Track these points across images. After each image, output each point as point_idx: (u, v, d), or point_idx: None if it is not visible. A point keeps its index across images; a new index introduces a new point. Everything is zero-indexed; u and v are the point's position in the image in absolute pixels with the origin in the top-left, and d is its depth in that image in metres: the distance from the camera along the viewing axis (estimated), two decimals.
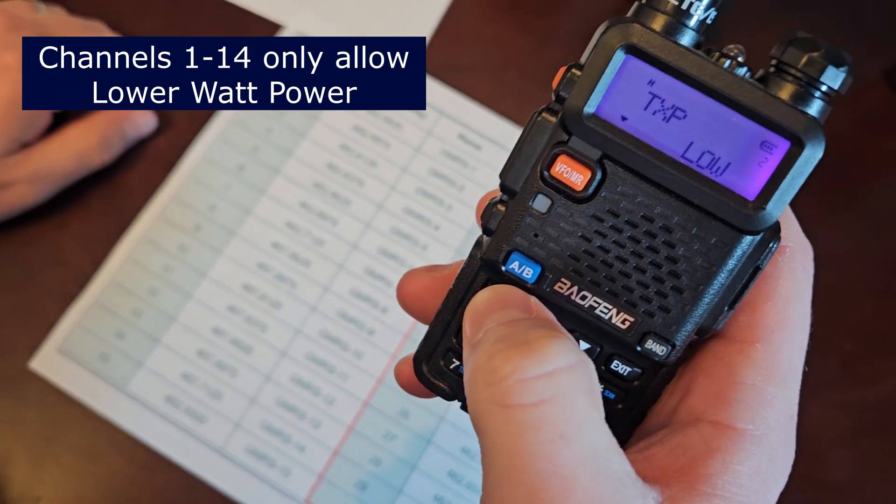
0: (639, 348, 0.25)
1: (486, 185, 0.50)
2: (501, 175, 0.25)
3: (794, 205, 0.54)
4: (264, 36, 0.52)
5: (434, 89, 0.52)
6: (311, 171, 0.49)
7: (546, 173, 0.24)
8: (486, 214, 0.25)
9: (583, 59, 0.24)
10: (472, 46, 0.53)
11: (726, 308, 0.24)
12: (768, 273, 0.25)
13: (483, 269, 0.26)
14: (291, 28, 0.52)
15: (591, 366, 0.22)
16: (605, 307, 0.25)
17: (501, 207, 0.25)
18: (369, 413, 0.45)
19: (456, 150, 0.50)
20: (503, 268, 0.25)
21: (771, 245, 0.24)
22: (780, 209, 0.23)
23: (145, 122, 0.49)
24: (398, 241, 0.48)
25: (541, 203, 0.24)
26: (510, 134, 0.51)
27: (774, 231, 0.24)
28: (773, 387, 0.24)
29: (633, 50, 0.23)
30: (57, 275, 0.47)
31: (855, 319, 0.49)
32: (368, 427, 0.45)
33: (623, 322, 0.25)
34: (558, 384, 0.21)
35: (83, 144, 0.46)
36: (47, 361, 0.45)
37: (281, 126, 0.50)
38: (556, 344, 0.21)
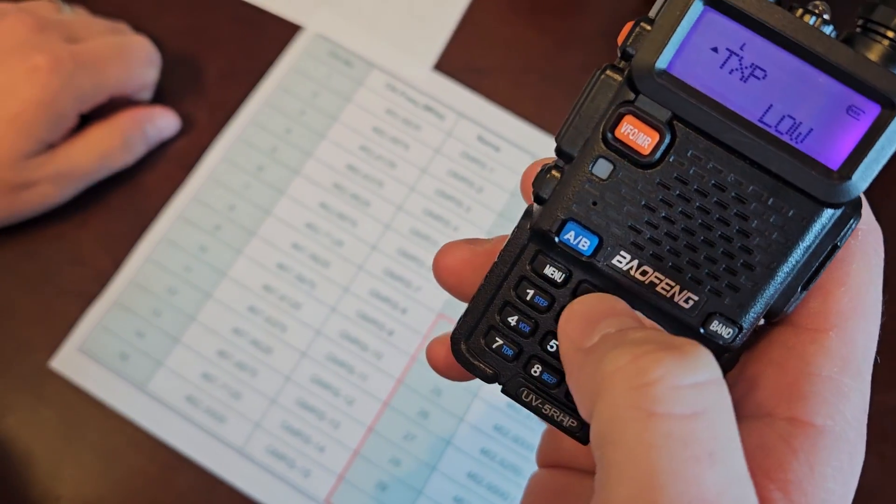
0: (702, 330, 0.23)
1: (504, 187, 0.50)
2: (557, 138, 0.23)
3: None
4: (283, 36, 0.52)
5: (453, 90, 0.52)
6: (331, 171, 0.49)
7: (610, 135, 0.22)
8: (539, 181, 0.23)
9: (652, 13, 0.22)
10: (491, 48, 0.53)
11: (800, 289, 0.23)
12: (840, 257, 0.23)
13: (533, 240, 0.24)
14: (311, 29, 0.52)
15: (726, 384, 0.20)
16: (667, 284, 0.23)
17: (556, 174, 0.23)
18: (389, 414, 0.45)
19: (475, 152, 0.50)
20: (557, 238, 0.23)
21: (851, 221, 0.22)
22: (867, 180, 0.21)
23: (167, 123, 0.49)
24: (418, 241, 0.48)
25: (602, 168, 0.22)
26: (529, 136, 0.51)
27: (856, 206, 0.22)
28: (849, 378, 0.22)
29: (711, 1, 0.21)
30: (77, 274, 0.47)
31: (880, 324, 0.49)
32: (388, 428, 0.45)
33: (686, 301, 0.23)
34: (711, 397, 0.19)
35: (106, 145, 0.46)
36: (68, 360, 0.45)
37: (300, 127, 0.50)
38: (706, 354, 0.19)
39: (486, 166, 0.50)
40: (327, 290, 0.47)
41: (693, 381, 0.19)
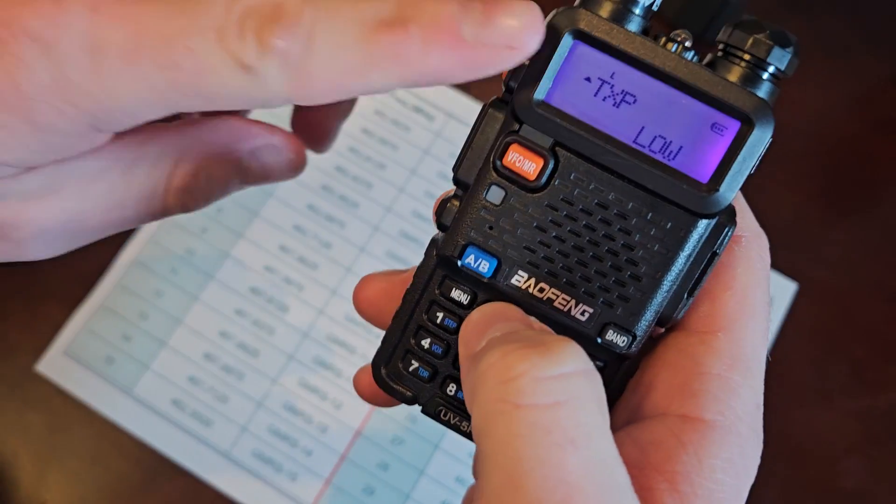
0: (599, 340, 0.24)
1: None
2: (454, 169, 0.24)
3: (804, 209, 0.54)
4: None
5: (442, 91, 0.51)
6: (320, 173, 0.49)
7: (499, 163, 0.24)
8: (441, 210, 0.25)
9: None
10: None
11: (686, 295, 0.24)
12: (725, 263, 0.25)
13: (440, 265, 0.25)
14: None
15: (598, 375, 0.21)
16: (563, 299, 0.24)
17: (455, 202, 0.25)
18: (377, 417, 0.45)
19: None
20: (459, 262, 0.24)
21: (727, 230, 0.24)
22: (733, 190, 0.23)
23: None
24: (406, 243, 0.48)
25: (495, 194, 0.24)
26: None
27: (730, 215, 0.24)
28: (738, 375, 0.23)
29: (580, 35, 0.23)
30: (63, 277, 0.46)
31: (867, 326, 0.49)
32: (376, 432, 0.45)
33: (582, 313, 0.24)
34: (574, 387, 0.20)
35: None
36: (53, 364, 0.45)
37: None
38: (572, 347, 0.21)
39: None
40: (315, 293, 0.47)
41: (556, 372, 0.20)
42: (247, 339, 0.46)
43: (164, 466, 0.43)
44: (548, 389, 0.20)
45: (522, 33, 0.21)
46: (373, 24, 0.21)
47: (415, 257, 0.47)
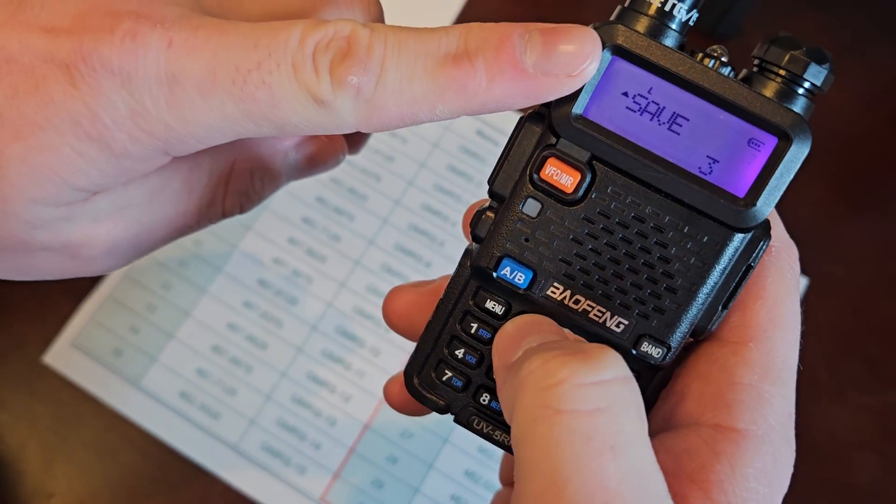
0: (634, 352, 0.25)
1: None
2: (490, 181, 0.25)
3: (819, 204, 0.54)
4: None
5: None
6: None
7: (536, 176, 0.24)
8: (475, 222, 0.25)
9: None
10: None
11: (720, 307, 0.24)
12: (756, 273, 0.25)
13: (474, 276, 0.26)
14: None
15: (636, 383, 0.21)
16: (598, 311, 0.25)
17: (491, 214, 0.25)
18: (386, 411, 0.45)
19: (474, 147, 0.50)
20: (494, 274, 0.25)
21: (762, 243, 0.24)
22: (770, 205, 0.23)
23: None
24: (416, 237, 0.48)
25: (531, 207, 0.24)
26: None
27: (765, 229, 0.24)
28: (770, 385, 0.24)
29: (618, 50, 0.23)
30: None
31: (880, 322, 0.48)
32: (385, 425, 0.44)
33: (617, 325, 0.25)
34: (614, 394, 0.20)
35: None
36: (61, 356, 0.45)
37: None
38: (612, 355, 0.21)
39: (485, 161, 0.50)
40: (324, 285, 0.47)
41: (596, 379, 0.20)
42: (255, 332, 0.46)
43: (172, 459, 0.43)
44: (588, 396, 0.20)
45: (582, 61, 0.22)
46: (440, 58, 0.22)
47: (423, 250, 0.47)
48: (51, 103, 0.22)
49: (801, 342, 0.25)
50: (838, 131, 0.52)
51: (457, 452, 0.44)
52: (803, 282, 0.48)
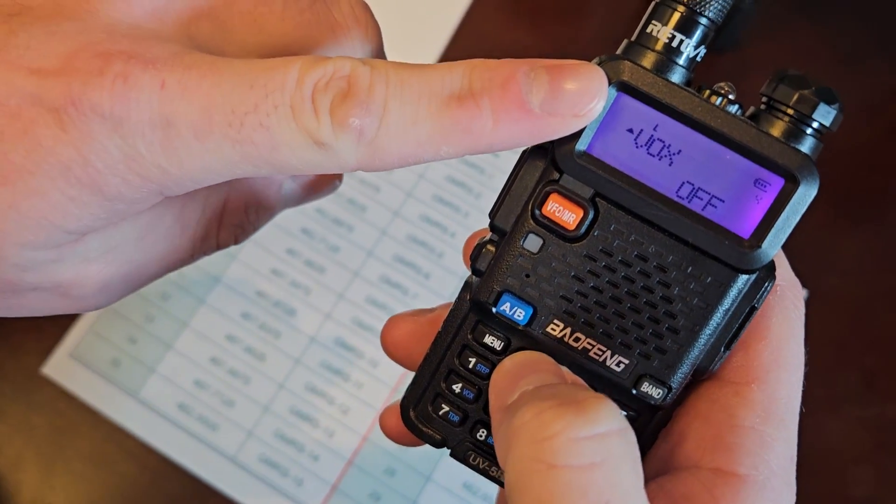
0: (634, 391, 0.24)
1: None
2: (491, 214, 0.24)
3: (816, 216, 0.54)
4: None
5: None
6: None
7: (537, 212, 0.24)
8: (476, 255, 0.25)
9: None
10: (490, 52, 0.52)
11: (723, 349, 0.24)
12: (760, 313, 0.24)
13: (473, 310, 0.25)
14: None
15: (633, 433, 0.21)
16: (599, 349, 0.24)
17: (491, 248, 0.25)
18: None
19: (474, 157, 0.50)
20: (494, 309, 0.24)
21: (766, 284, 0.24)
22: (775, 248, 0.23)
23: None
24: (415, 248, 0.48)
25: (532, 243, 0.24)
26: None
27: (769, 270, 0.24)
28: (772, 428, 0.23)
29: (624, 87, 0.23)
30: None
31: (878, 334, 0.48)
32: (383, 437, 0.44)
33: (618, 364, 0.24)
34: (609, 447, 0.20)
35: None
36: (59, 366, 0.45)
37: None
38: (608, 406, 0.21)
39: (484, 172, 0.50)
40: (322, 297, 0.47)
41: (591, 432, 0.20)
42: (253, 343, 0.46)
43: (170, 470, 0.43)
44: (583, 450, 0.20)
45: (589, 101, 0.22)
46: (444, 99, 0.21)
47: (422, 261, 0.47)
48: (40, 148, 0.21)
49: (804, 383, 0.25)
50: (836, 143, 0.52)
51: (455, 464, 0.44)
52: (802, 294, 0.48)
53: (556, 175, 0.23)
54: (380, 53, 0.27)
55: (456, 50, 0.52)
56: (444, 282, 0.47)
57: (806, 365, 0.25)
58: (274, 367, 0.45)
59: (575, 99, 0.21)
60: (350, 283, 0.47)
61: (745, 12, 0.51)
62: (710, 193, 0.23)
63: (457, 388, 0.26)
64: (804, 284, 0.48)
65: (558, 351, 0.24)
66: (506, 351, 0.25)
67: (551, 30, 0.53)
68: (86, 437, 0.44)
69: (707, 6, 0.23)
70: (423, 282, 0.47)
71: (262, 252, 0.47)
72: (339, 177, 0.32)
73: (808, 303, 0.48)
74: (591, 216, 0.23)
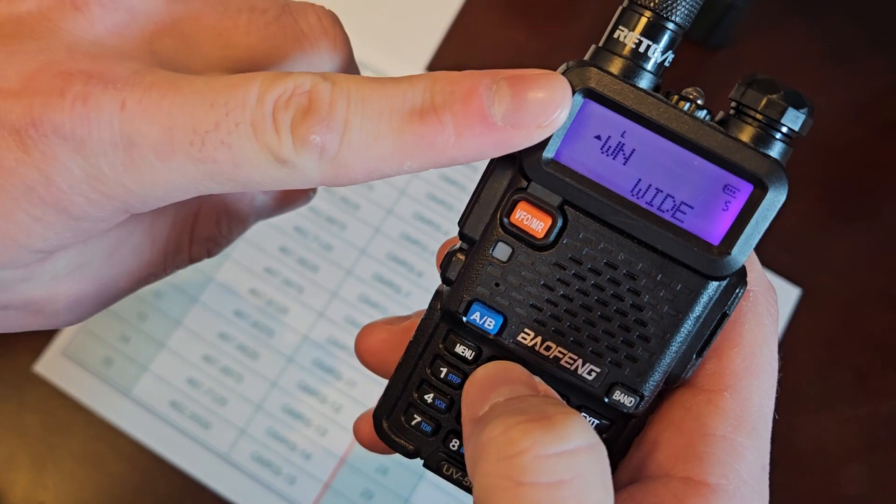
0: (606, 400, 0.24)
1: None
2: (460, 223, 0.24)
3: (808, 214, 0.54)
4: None
5: None
6: None
7: (506, 220, 0.23)
8: (446, 263, 0.25)
9: None
10: (483, 51, 0.52)
11: (695, 356, 0.24)
12: (733, 319, 0.24)
13: (444, 320, 0.25)
14: None
15: (604, 448, 0.21)
16: (570, 358, 0.24)
17: (461, 256, 0.24)
18: None
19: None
20: (464, 318, 0.24)
21: (738, 290, 0.24)
22: (745, 254, 0.23)
23: None
24: (408, 246, 0.48)
25: (501, 251, 0.24)
26: None
27: (740, 276, 0.24)
28: (744, 437, 0.23)
29: (590, 94, 0.22)
30: None
31: (868, 333, 0.48)
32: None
33: (589, 373, 0.24)
34: (578, 464, 0.20)
35: None
36: (51, 365, 0.44)
37: None
38: (577, 422, 0.20)
39: (477, 170, 0.50)
40: (315, 295, 0.47)
41: (560, 449, 0.19)
42: (246, 342, 0.46)
43: (162, 469, 0.43)
44: (552, 467, 0.19)
45: (552, 111, 0.22)
46: (405, 114, 0.21)
47: (415, 260, 0.47)
48: (2, 170, 0.21)
49: (777, 389, 0.24)
50: (828, 141, 0.52)
51: None
52: (794, 292, 0.48)
53: (523, 183, 0.23)
54: (349, 64, 0.27)
55: (449, 48, 0.52)
56: (438, 280, 0.46)
57: (780, 371, 0.25)
58: (266, 365, 0.45)
59: (537, 110, 0.21)
60: (343, 281, 0.47)
61: (739, 9, 0.51)
62: (678, 200, 0.23)
63: (429, 398, 0.26)
64: (797, 283, 0.48)
65: (530, 360, 0.24)
66: (477, 360, 0.25)
67: (544, 28, 0.53)
68: (78, 436, 0.43)
69: (674, 11, 0.23)
70: (416, 280, 0.47)
71: (255, 250, 0.47)
72: (312, 189, 0.32)
73: (800, 301, 0.48)
74: (559, 224, 0.23)
